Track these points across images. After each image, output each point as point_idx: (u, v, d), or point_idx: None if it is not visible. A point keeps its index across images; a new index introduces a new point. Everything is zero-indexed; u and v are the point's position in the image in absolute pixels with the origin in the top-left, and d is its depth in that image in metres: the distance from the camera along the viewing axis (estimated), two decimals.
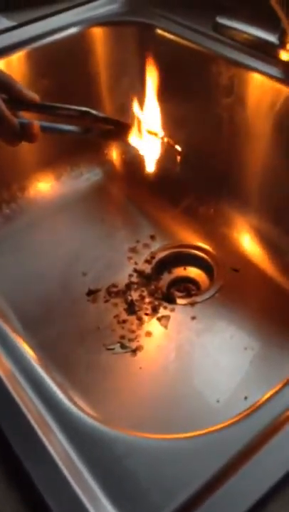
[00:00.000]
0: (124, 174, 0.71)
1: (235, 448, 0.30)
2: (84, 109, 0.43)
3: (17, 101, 0.42)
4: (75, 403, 0.34)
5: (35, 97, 0.43)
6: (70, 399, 0.34)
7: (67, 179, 0.70)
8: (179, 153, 0.42)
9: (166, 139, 0.42)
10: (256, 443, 0.30)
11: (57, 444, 0.31)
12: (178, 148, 0.42)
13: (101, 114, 0.43)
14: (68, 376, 0.48)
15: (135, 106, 0.42)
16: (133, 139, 0.43)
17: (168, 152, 0.43)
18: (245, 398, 0.47)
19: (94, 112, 0.43)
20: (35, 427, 0.31)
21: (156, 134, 0.42)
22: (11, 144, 0.41)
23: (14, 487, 0.29)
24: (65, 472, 0.29)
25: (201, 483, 0.28)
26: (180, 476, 0.29)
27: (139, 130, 0.42)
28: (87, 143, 0.68)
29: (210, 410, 0.47)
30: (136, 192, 0.69)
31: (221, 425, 0.31)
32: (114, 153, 0.72)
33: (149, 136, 0.42)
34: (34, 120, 0.41)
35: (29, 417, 0.32)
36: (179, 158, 0.42)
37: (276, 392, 0.32)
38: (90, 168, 0.71)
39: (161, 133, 0.43)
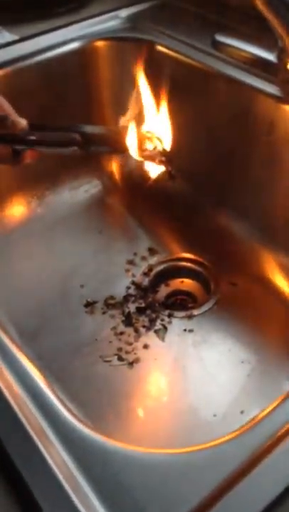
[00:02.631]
0: (123, 186, 0.72)
1: (233, 463, 0.30)
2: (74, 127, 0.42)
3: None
4: (73, 415, 0.34)
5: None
6: (69, 410, 0.34)
7: (66, 190, 0.71)
8: (172, 176, 0.42)
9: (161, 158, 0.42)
10: (254, 458, 0.30)
11: (56, 456, 0.31)
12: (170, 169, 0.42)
13: (95, 131, 0.42)
14: (65, 387, 0.48)
15: (132, 123, 0.42)
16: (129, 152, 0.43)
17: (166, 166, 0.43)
18: (242, 412, 0.47)
19: (86, 130, 0.41)
20: (35, 438, 0.31)
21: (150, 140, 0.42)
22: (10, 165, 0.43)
23: (14, 500, 0.29)
24: (64, 484, 0.29)
25: (198, 499, 0.29)
26: (178, 491, 0.29)
27: (138, 147, 0.42)
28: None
29: (206, 424, 0.47)
30: (134, 204, 0.70)
31: (219, 440, 0.31)
32: (113, 165, 0.73)
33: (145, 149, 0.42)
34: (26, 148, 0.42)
35: (28, 428, 0.32)
36: (169, 175, 0.42)
37: (274, 407, 0.32)
38: (89, 179, 0.72)
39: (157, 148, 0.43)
